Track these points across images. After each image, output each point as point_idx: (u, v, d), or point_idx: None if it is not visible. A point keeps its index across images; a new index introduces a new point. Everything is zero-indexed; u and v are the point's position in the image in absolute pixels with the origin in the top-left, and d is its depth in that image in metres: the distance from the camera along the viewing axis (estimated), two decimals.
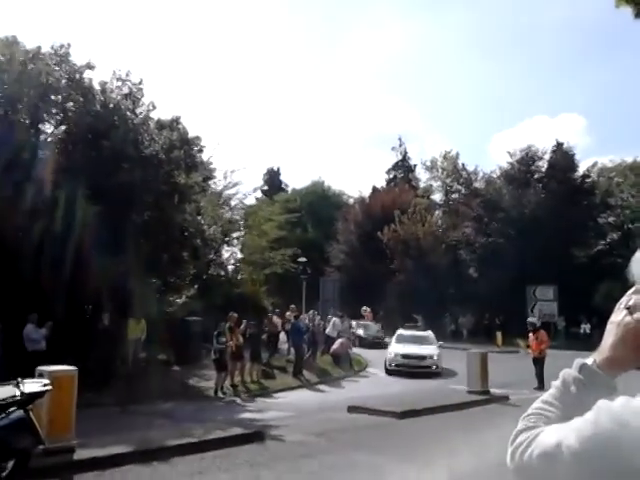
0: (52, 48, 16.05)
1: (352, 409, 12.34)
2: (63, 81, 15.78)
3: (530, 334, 15.96)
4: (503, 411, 11.86)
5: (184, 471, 7.65)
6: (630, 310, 1.15)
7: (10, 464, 6.44)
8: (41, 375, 7.82)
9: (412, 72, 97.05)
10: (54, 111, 16.02)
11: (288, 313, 21.62)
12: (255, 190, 38.33)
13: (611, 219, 41.08)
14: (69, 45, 16.26)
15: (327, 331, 22.06)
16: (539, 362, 14.65)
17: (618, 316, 1.18)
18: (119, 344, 16.37)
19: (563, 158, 41.40)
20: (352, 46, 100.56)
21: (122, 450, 8.13)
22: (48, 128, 16.51)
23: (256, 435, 9.60)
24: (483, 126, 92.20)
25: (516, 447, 1.10)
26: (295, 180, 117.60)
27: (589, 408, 1.02)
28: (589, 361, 1.19)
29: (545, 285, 34.91)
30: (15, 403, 6.46)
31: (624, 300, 1.18)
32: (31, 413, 6.69)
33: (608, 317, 1.22)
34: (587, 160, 51.17)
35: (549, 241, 35.76)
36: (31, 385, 6.84)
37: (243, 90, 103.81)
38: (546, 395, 1.20)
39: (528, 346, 15.89)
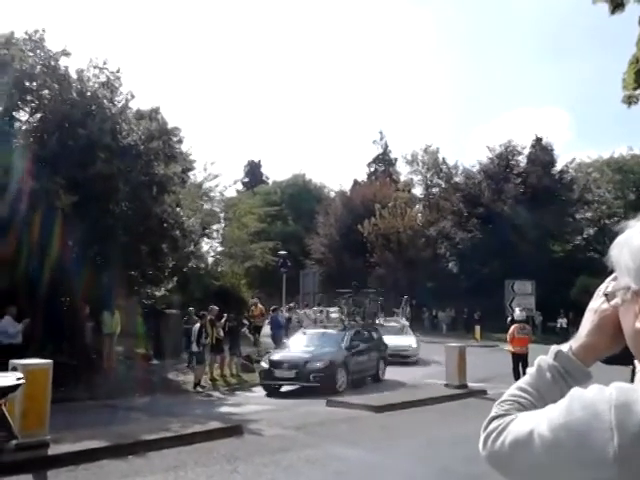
0: (26, 33, 15.62)
1: (331, 403, 12.36)
2: (38, 68, 15.39)
3: None
4: (480, 405, 11.96)
5: (160, 465, 7.58)
6: (607, 297, 1.13)
7: None
8: (15, 369, 7.67)
9: (394, 65, 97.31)
10: (29, 98, 15.64)
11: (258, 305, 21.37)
12: (236, 182, 38.11)
13: (588, 214, 41.79)
14: (44, 31, 15.85)
15: (304, 324, 22.04)
16: (512, 357, 14.65)
17: (596, 303, 1.17)
18: (95, 337, 16.17)
19: (542, 153, 41.88)
20: (332, 39, 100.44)
21: (97, 445, 8.01)
22: (22, 116, 16.12)
23: (234, 429, 9.55)
24: (464, 120, 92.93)
25: (489, 434, 1.09)
26: (276, 173, 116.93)
27: (564, 395, 1.01)
28: (565, 348, 1.18)
29: (523, 280, 35.31)
30: None
31: (602, 287, 1.16)
32: (4, 407, 6.56)
33: (584, 312, 1.20)
34: (569, 154, 52.00)
35: (527, 236, 36.19)
36: (4, 379, 6.70)
37: (224, 82, 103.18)
38: (521, 382, 1.19)
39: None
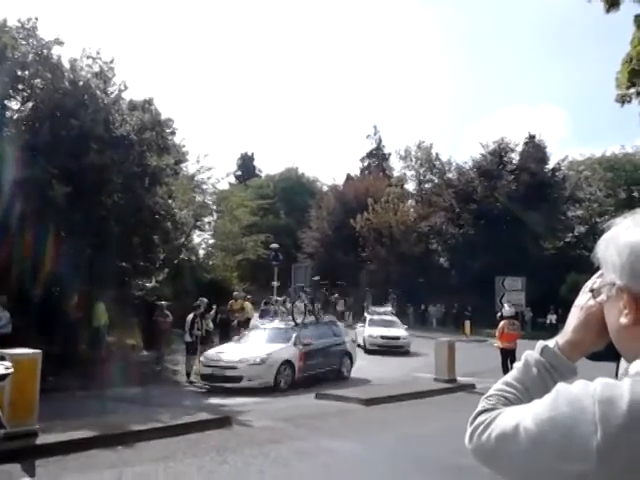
0: (19, 21, 15.50)
1: (320, 395, 12.41)
2: (30, 56, 15.27)
3: None
4: (468, 399, 12.04)
5: (149, 456, 7.59)
6: (593, 293, 1.15)
7: None
8: (3, 358, 7.63)
9: (389, 59, 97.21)
10: (21, 87, 15.53)
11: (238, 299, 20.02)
12: (228, 175, 37.78)
13: (579, 212, 42.01)
14: (37, 19, 15.74)
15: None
16: (501, 353, 14.81)
17: (582, 299, 1.19)
18: (84, 328, 16.11)
19: (535, 150, 41.97)
20: (327, 34, 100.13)
21: (86, 435, 8.01)
22: (14, 105, 16.01)
23: (224, 420, 9.58)
24: (459, 116, 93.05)
25: (475, 428, 1.10)
26: (269, 166, 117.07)
27: (549, 390, 1.02)
28: (551, 343, 1.19)
29: (514, 276, 35.48)
30: None
31: (589, 283, 1.18)
32: None
33: None
34: (563, 151, 52.25)
35: (519, 232, 36.36)
36: None
37: (219, 74, 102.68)
38: (507, 376, 1.20)
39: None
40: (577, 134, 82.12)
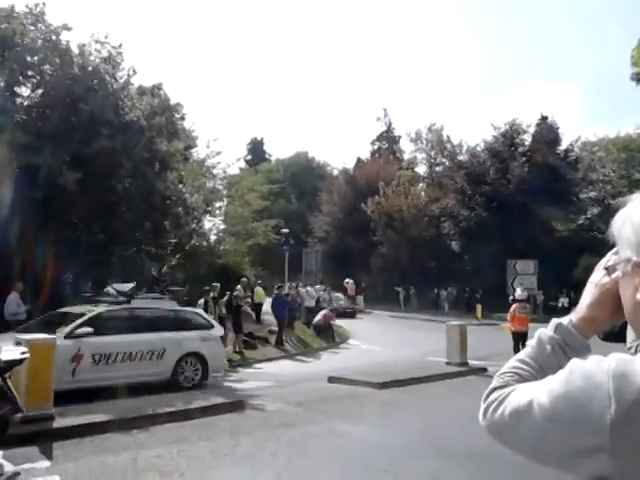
0: (27, 7, 15.47)
1: (332, 379, 12.45)
2: (39, 42, 15.27)
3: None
4: (480, 382, 12.04)
5: (163, 439, 7.67)
6: (608, 270, 1.14)
7: None
8: (19, 343, 7.75)
9: (398, 42, 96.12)
10: (30, 74, 15.53)
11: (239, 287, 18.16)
12: (238, 160, 37.65)
13: (592, 194, 41.49)
14: (44, 4, 15.70)
15: (306, 303, 22.20)
16: (513, 336, 14.76)
17: (597, 276, 1.18)
18: None
19: (547, 132, 41.33)
20: (336, 16, 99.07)
21: (101, 418, 8.14)
22: (24, 91, 16.03)
23: (237, 404, 9.66)
24: (470, 98, 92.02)
25: (489, 404, 1.11)
26: (279, 150, 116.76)
27: (562, 367, 1.02)
28: (565, 321, 1.19)
29: (526, 259, 35.24)
30: None
31: (603, 260, 1.17)
32: (9, 381, 6.62)
33: None
34: (576, 132, 51.42)
35: (531, 215, 36.00)
36: (9, 353, 6.75)
37: (228, 58, 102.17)
38: (521, 354, 1.21)
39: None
40: (591, 114, 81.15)
